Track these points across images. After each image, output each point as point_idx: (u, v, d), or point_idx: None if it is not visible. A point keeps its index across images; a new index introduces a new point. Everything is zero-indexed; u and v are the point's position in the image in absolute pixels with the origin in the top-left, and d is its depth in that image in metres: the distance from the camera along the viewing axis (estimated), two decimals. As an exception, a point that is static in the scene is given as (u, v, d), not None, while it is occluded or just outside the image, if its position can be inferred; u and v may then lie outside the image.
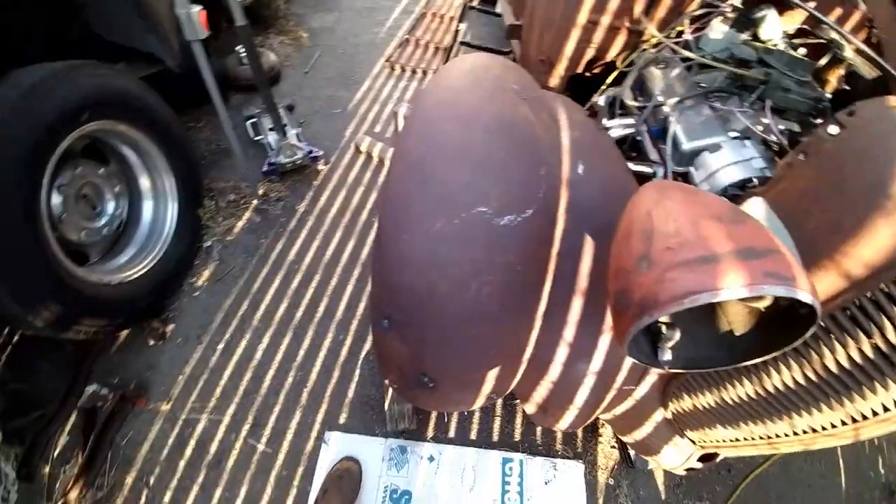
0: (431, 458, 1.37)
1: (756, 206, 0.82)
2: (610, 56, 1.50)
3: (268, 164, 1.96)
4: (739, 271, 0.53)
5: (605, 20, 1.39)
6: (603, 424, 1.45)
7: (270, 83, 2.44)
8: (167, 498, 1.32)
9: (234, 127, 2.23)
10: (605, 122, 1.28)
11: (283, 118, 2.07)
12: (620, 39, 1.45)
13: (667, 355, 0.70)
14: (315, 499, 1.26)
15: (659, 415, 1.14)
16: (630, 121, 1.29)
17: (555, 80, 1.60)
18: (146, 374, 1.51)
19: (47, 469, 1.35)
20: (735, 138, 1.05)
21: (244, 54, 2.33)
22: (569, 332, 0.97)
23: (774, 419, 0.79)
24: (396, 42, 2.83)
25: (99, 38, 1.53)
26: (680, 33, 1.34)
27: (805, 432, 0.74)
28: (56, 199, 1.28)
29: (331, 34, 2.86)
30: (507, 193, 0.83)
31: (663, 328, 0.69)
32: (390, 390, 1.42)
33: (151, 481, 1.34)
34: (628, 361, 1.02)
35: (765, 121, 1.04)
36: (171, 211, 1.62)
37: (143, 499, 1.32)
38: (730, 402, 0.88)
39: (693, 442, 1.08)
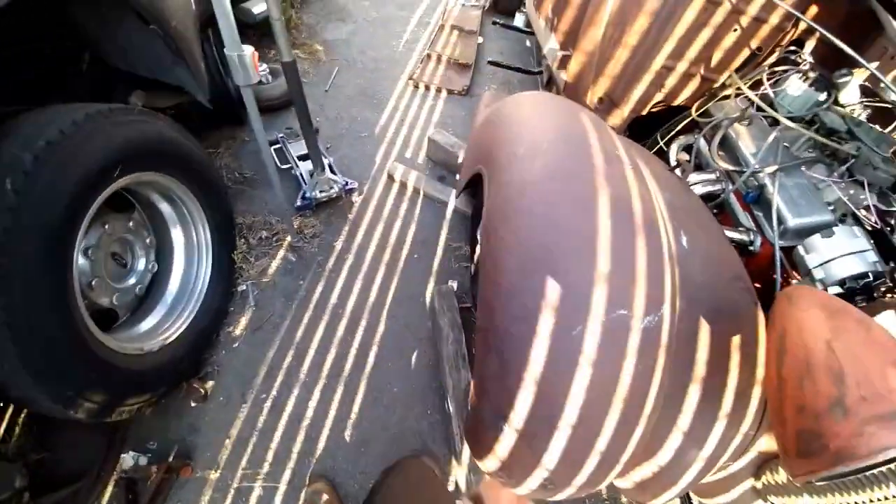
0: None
1: (891, 320, 0.80)
2: (678, 100, 1.46)
3: (301, 199, 1.84)
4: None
5: (682, 67, 1.35)
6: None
7: (291, 104, 2.30)
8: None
9: (256, 153, 2.10)
10: (690, 177, 1.24)
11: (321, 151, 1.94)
12: (692, 85, 1.41)
13: None
14: None
15: (748, 483, 1.14)
16: (711, 176, 1.25)
17: (615, 120, 1.55)
18: (189, 439, 1.39)
19: (84, 546, 1.22)
20: (842, 220, 1.03)
21: (265, 71, 2.18)
22: (684, 421, 0.93)
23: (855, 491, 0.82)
24: (417, 57, 2.72)
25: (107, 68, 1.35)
26: (757, 84, 1.32)
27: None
28: (84, 264, 1.12)
29: (347, 47, 2.72)
30: (645, 290, 0.78)
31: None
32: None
33: (203, 558, 1.25)
34: (735, 443, 1.00)
35: (865, 200, 1.03)
36: (206, 258, 1.49)
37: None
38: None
39: (773, 504, 1.09)
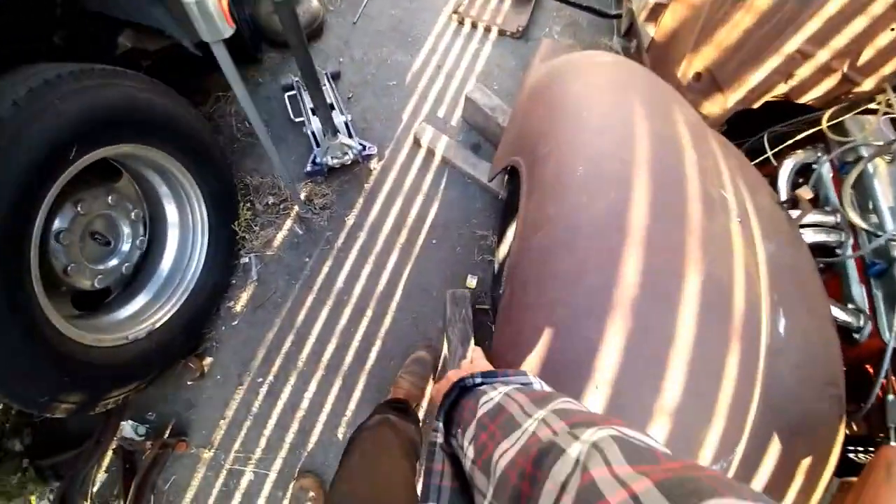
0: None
1: None
2: (805, 98, 1.07)
3: (312, 164, 1.62)
4: None
5: (822, 56, 0.95)
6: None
7: (310, 38, 1.96)
8: (213, 547, 1.28)
9: (268, 99, 1.85)
10: (806, 217, 0.91)
11: (335, 107, 1.67)
12: (829, 83, 1.00)
13: None
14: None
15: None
16: (830, 220, 0.93)
17: (714, 108, 1.17)
18: (185, 414, 1.39)
19: (86, 505, 1.29)
20: None
21: (280, -4, 1.82)
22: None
23: None
24: (466, -18, 2.22)
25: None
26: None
27: None
28: (57, 249, 1.01)
29: (385, -37, 2.24)
30: (722, 429, 0.57)
31: None
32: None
33: (197, 528, 1.29)
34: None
35: None
36: (201, 235, 1.35)
37: (189, 545, 1.28)
38: None
39: None
